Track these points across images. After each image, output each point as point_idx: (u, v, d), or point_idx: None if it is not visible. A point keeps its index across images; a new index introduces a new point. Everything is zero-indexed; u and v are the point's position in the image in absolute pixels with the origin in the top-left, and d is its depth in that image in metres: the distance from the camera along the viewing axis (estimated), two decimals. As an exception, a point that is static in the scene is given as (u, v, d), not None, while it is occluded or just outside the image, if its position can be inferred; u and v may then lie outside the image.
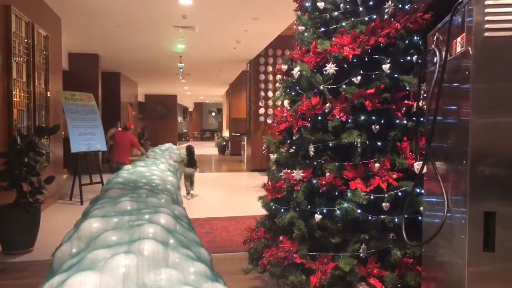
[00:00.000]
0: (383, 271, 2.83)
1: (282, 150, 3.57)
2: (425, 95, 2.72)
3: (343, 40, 3.06)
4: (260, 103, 12.17)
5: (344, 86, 3.04)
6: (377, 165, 2.91)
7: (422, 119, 2.65)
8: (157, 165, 5.48)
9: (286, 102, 3.62)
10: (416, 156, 2.72)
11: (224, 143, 19.61)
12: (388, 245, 2.87)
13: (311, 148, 3.09)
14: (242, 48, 10.68)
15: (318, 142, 3.09)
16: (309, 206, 3.05)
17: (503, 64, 1.77)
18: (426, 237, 2.37)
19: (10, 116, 5.28)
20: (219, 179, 11.18)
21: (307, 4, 3.52)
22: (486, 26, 1.77)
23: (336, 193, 2.99)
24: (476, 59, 1.77)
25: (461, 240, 1.83)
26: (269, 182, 3.59)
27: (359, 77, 2.99)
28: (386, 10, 3.09)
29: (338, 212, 2.89)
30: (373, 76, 3.04)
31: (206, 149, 22.29)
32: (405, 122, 3.02)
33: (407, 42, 3.13)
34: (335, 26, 3.27)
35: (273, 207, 3.40)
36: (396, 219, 2.83)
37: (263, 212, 3.66)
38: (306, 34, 3.42)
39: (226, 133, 21.21)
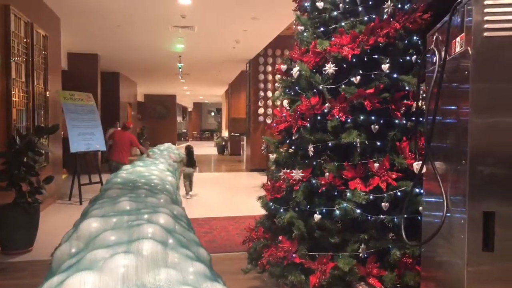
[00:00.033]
0: (382, 271, 2.83)
1: (282, 150, 3.57)
2: (424, 95, 2.72)
3: (342, 40, 3.06)
4: (260, 103, 12.17)
5: (343, 86, 3.04)
6: (376, 165, 2.91)
7: (421, 119, 2.65)
8: (156, 165, 5.47)
9: (285, 102, 3.62)
10: (415, 156, 2.72)
11: (224, 143, 19.61)
12: (387, 245, 2.87)
13: (311, 148, 3.09)
14: (242, 48, 10.68)
15: (318, 142, 3.09)
16: (308, 206, 3.05)
17: (502, 64, 1.77)
18: (425, 237, 2.37)
19: (9, 116, 5.28)
20: (218, 179, 11.18)
21: (306, 4, 3.52)
22: (485, 26, 1.77)
23: (336, 193, 2.99)
24: (476, 59, 1.78)
25: (461, 240, 1.83)
26: (269, 182, 3.59)
27: (358, 77, 2.99)
28: (386, 10, 3.09)
29: (337, 212, 2.89)
30: (373, 76, 3.04)
31: (205, 149, 22.29)
32: (404, 122, 3.02)
33: (406, 42, 3.13)
34: (334, 26, 3.27)
35: (273, 207, 3.40)
36: (395, 219, 2.83)
37: (263, 212, 3.66)
38: (305, 34, 3.42)
39: (225, 133, 21.21)
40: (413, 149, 2.85)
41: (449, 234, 1.98)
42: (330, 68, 3.06)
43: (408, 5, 3.17)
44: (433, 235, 1.98)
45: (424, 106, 2.46)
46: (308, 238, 3.03)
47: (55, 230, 5.25)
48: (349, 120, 3.01)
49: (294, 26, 3.66)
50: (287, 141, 3.52)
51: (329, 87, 3.12)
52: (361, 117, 2.99)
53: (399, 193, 2.86)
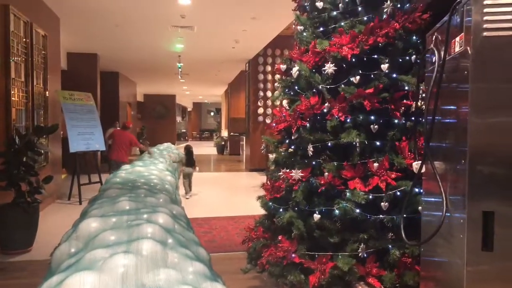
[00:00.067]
0: (381, 271, 2.83)
1: (281, 149, 3.57)
2: (423, 95, 2.72)
3: (342, 40, 3.06)
4: (259, 103, 12.17)
5: (343, 85, 3.04)
6: (375, 164, 2.91)
7: (420, 118, 2.65)
8: (156, 165, 5.47)
9: (285, 102, 3.62)
10: (414, 156, 2.72)
11: (223, 143, 19.61)
12: (386, 244, 2.88)
13: (310, 148, 3.09)
14: (241, 48, 10.68)
15: (317, 141, 3.09)
16: (307, 206, 3.05)
17: (501, 64, 1.77)
18: (424, 237, 2.37)
19: (8, 115, 5.27)
20: (218, 179, 11.18)
21: (306, 4, 3.52)
22: (485, 26, 1.77)
23: (335, 193, 2.99)
24: (475, 58, 1.78)
25: (460, 239, 1.83)
26: (268, 182, 3.59)
27: (357, 77, 2.99)
28: (385, 10, 3.09)
29: (337, 211, 2.89)
30: (372, 76, 3.04)
31: (205, 148, 22.29)
32: (403, 121, 3.02)
33: (405, 42, 3.13)
34: (334, 25, 3.27)
35: (272, 207, 3.40)
36: (394, 219, 2.83)
37: (262, 211, 3.65)
38: (305, 33, 3.42)
39: (225, 133, 21.21)
40: (413, 149, 2.85)
41: (448, 234, 1.98)
42: (329, 68, 3.07)
43: (407, 5, 3.17)
44: (432, 234, 1.98)
45: (424, 106, 2.46)
46: (308, 237, 3.03)
47: (54, 230, 5.25)
48: (348, 120, 3.01)
49: (293, 26, 3.66)
50: (287, 141, 3.52)
51: (328, 87, 3.12)
52: (361, 117, 2.99)
53: (398, 193, 2.86)
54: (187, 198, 7.92)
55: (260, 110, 12.17)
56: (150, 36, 9.51)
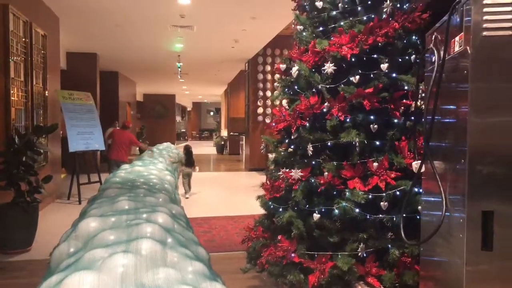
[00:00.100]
0: (381, 270, 2.83)
1: (281, 149, 3.57)
2: (423, 95, 2.72)
3: (341, 40, 3.06)
4: (259, 103, 12.17)
5: (342, 85, 3.04)
6: (375, 164, 2.91)
7: (420, 118, 2.65)
8: (155, 165, 5.46)
9: (284, 102, 3.62)
10: (414, 156, 2.72)
11: (223, 143, 19.60)
12: (386, 244, 2.88)
13: (310, 148, 3.09)
14: (241, 48, 10.67)
15: (317, 141, 3.09)
16: (307, 205, 3.05)
17: (501, 64, 1.77)
18: (424, 236, 2.37)
19: (8, 115, 5.27)
20: (217, 179, 11.18)
21: (305, 4, 3.52)
22: (485, 25, 1.77)
23: (335, 193, 2.99)
24: (475, 58, 1.78)
25: (459, 239, 1.83)
26: (268, 182, 3.59)
27: (357, 77, 2.99)
28: (385, 10, 3.09)
29: (336, 211, 2.89)
30: (372, 76, 3.04)
31: (204, 148, 22.29)
32: (403, 121, 3.02)
33: (405, 41, 3.13)
34: (333, 25, 3.27)
35: (272, 206, 3.40)
36: (394, 218, 2.83)
37: (262, 211, 3.65)
38: (304, 33, 3.42)
39: (224, 133, 21.21)
40: (412, 149, 2.85)
41: (448, 233, 1.98)
42: (329, 67, 3.07)
43: (407, 5, 3.17)
44: (432, 234, 1.98)
45: (423, 106, 2.46)
46: (307, 237, 3.03)
47: (54, 230, 5.24)
48: (348, 120, 3.01)
49: (293, 26, 3.66)
50: (286, 141, 3.52)
51: (328, 86, 3.12)
52: (360, 117, 2.99)
53: (398, 193, 2.86)
54: (186, 198, 7.92)
55: (260, 110, 12.17)
56: (149, 36, 9.51)
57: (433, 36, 2.23)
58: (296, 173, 3.09)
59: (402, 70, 3.08)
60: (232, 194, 8.75)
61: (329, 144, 3.06)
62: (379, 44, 3.01)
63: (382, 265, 2.87)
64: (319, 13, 3.35)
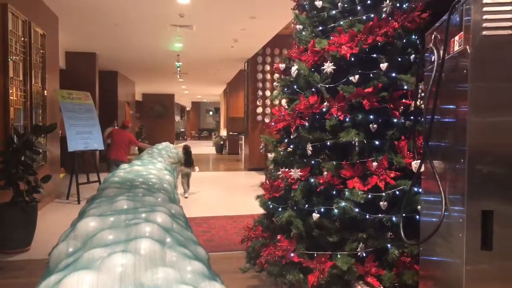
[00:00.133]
0: (380, 270, 2.83)
1: (280, 149, 3.57)
2: (422, 94, 2.72)
3: (341, 39, 3.06)
4: (258, 102, 12.16)
5: (342, 85, 3.04)
6: (374, 164, 2.91)
7: (419, 118, 2.65)
8: (154, 164, 5.46)
9: (283, 101, 3.61)
10: (413, 155, 2.72)
11: (222, 142, 19.60)
12: (385, 244, 2.87)
13: (309, 147, 3.09)
14: (240, 47, 10.67)
15: (316, 141, 3.09)
16: (306, 205, 3.05)
17: (501, 63, 1.77)
18: (423, 236, 2.37)
19: (6, 114, 5.26)
20: (216, 178, 11.17)
21: (305, 3, 3.52)
22: (484, 25, 1.76)
23: (334, 192, 2.99)
24: (474, 58, 1.77)
25: (459, 238, 1.83)
26: (267, 181, 3.59)
27: (357, 76, 2.99)
28: (384, 9, 3.09)
29: (335, 211, 2.89)
30: (371, 75, 3.04)
31: (203, 148, 22.28)
32: (402, 121, 3.02)
33: (404, 41, 3.13)
34: (333, 25, 3.27)
35: (271, 206, 3.39)
36: (393, 218, 2.83)
37: (261, 211, 3.65)
38: (304, 33, 3.42)
39: (223, 132, 21.20)
40: (412, 148, 2.85)
41: (447, 233, 1.98)
42: (328, 67, 3.06)
43: (406, 4, 3.17)
44: (431, 234, 1.98)
45: (423, 105, 2.46)
46: (307, 237, 3.03)
47: (53, 229, 5.22)
48: (347, 119, 3.01)
49: (292, 25, 3.65)
50: (286, 140, 3.51)
51: (327, 86, 3.12)
52: (360, 116, 2.99)
53: (397, 192, 2.86)
54: (185, 197, 7.92)
55: (259, 110, 12.16)
56: (149, 35, 9.50)
57: (433, 36, 2.23)
58: (295, 173, 3.09)
59: (402, 70, 3.08)
60: (231, 194, 8.75)
61: (328, 143, 3.05)
62: (379, 43, 3.01)
63: (381, 264, 2.87)
64: (318, 13, 3.35)
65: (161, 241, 1.81)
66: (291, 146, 3.44)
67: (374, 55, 3.05)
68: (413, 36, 3.15)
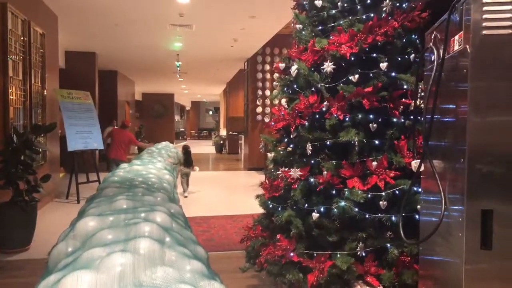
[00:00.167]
0: (380, 270, 2.83)
1: (280, 148, 3.57)
2: (422, 94, 2.72)
3: (340, 39, 3.05)
4: (258, 102, 12.16)
5: (341, 84, 3.03)
6: (374, 163, 2.90)
7: (419, 117, 2.65)
8: (154, 164, 5.45)
9: (283, 101, 3.61)
10: (413, 155, 2.72)
11: (222, 142, 19.59)
12: (385, 243, 2.87)
13: (309, 147, 3.09)
14: (240, 47, 10.66)
15: (316, 140, 3.09)
16: (306, 205, 3.05)
17: (501, 63, 1.76)
18: (423, 236, 2.37)
19: (6, 114, 5.26)
20: (216, 178, 11.17)
21: (304, 3, 3.51)
22: (484, 24, 1.76)
23: (334, 192, 2.99)
24: (474, 57, 1.77)
25: (459, 238, 1.83)
26: (267, 181, 3.59)
27: (356, 76, 2.99)
28: (384, 9, 3.09)
29: (335, 210, 2.88)
30: (371, 75, 3.04)
31: (203, 147, 22.27)
32: (402, 120, 3.02)
33: (404, 40, 3.12)
34: (332, 24, 3.27)
35: (271, 206, 3.39)
36: (393, 218, 2.83)
37: (261, 210, 3.65)
38: (303, 32, 3.42)
39: (223, 132, 21.20)
40: (411, 148, 2.85)
41: (447, 233, 1.98)
42: (328, 66, 3.06)
43: (406, 4, 3.17)
44: (431, 233, 1.98)
45: (423, 105, 2.46)
46: (306, 236, 3.03)
47: (52, 229, 5.22)
48: (347, 119, 3.00)
49: (292, 25, 3.65)
50: (285, 140, 3.51)
51: (327, 85, 3.11)
52: (359, 116, 2.99)
53: (397, 192, 2.86)
54: (185, 197, 7.92)
55: (259, 109, 12.16)
56: (148, 35, 9.50)
57: (433, 35, 2.23)
58: (295, 172, 3.09)
59: (402, 69, 3.08)
60: (231, 194, 8.75)
61: (328, 143, 3.05)
62: (379, 43, 3.01)
63: (381, 264, 2.86)
64: (318, 12, 3.35)
65: (160, 240, 1.81)
66: (291, 146, 3.43)
67: (374, 55, 3.04)
68: (413, 36, 3.15)
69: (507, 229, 1.76)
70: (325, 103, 3.09)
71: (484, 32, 1.76)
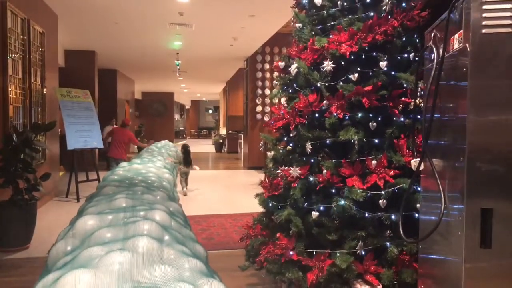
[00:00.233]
0: (379, 268, 2.83)
1: (279, 147, 3.56)
2: (422, 93, 2.72)
3: (340, 37, 3.05)
4: (257, 101, 12.15)
5: (341, 83, 3.03)
6: (374, 162, 2.90)
7: (419, 116, 2.65)
8: (154, 162, 5.45)
9: (283, 100, 3.61)
10: (413, 153, 2.72)
11: (221, 141, 19.59)
12: (385, 242, 2.87)
13: (308, 145, 3.09)
14: (239, 46, 10.66)
15: (315, 139, 3.09)
16: (306, 203, 3.05)
17: (500, 61, 1.76)
18: (423, 234, 2.37)
19: (6, 112, 5.26)
20: (216, 177, 11.17)
21: (304, 1, 3.51)
22: (484, 22, 1.76)
23: (333, 190, 2.99)
24: (474, 56, 1.77)
25: (458, 236, 1.83)
26: (266, 180, 3.58)
27: (356, 74, 2.99)
28: (384, 8, 3.08)
29: (335, 209, 2.88)
30: (370, 74, 3.03)
31: (203, 146, 22.28)
32: (402, 119, 3.01)
33: (404, 39, 3.12)
34: (332, 23, 3.26)
35: (270, 204, 3.39)
36: (392, 216, 2.83)
37: (260, 209, 3.65)
38: (303, 31, 3.41)
39: (223, 131, 21.19)
40: (411, 147, 2.84)
41: (446, 231, 1.98)
42: (328, 65, 3.06)
43: (406, 3, 3.16)
44: (431, 232, 1.98)
45: (422, 104, 2.46)
46: (306, 235, 3.03)
47: (52, 227, 5.25)
48: (347, 118, 3.00)
49: (292, 24, 3.64)
50: (285, 139, 3.51)
51: (327, 84, 3.11)
52: (359, 115, 2.99)
53: (396, 190, 2.86)
54: (184, 195, 7.92)
55: (258, 108, 12.16)
56: (148, 34, 9.49)
57: (432, 34, 2.23)
58: (294, 171, 3.09)
59: (401, 68, 3.07)
60: (230, 192, 8.75)
61: (327, 142, 3.05)
62: (378, 42, 3.00)
63: (380, 263, 2.86)
64: (318, 11, 3.34)
65: (159, 239, 1.81)
66: (291, 145, 3.43)
67: (374, 54, 3.04)
68: (413, 35, 3.14)
69: (506, 228, 1.76)
70: (324, 102, 3.09)
71: (484, 30, 1.76)
